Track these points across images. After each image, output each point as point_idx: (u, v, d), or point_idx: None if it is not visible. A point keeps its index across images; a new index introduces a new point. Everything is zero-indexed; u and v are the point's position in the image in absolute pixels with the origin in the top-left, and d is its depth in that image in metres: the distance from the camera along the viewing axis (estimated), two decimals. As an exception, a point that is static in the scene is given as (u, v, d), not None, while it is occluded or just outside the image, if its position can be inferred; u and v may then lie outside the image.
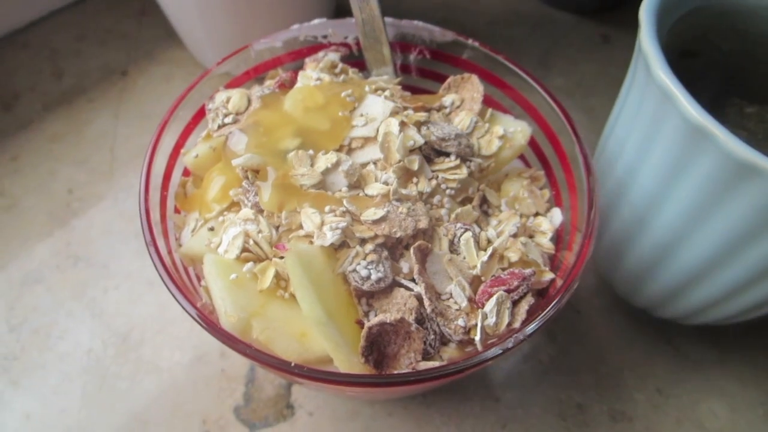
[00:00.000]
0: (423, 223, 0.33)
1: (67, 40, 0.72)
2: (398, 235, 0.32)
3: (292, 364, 0.29)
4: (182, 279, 0.34)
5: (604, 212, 0.44)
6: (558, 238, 0.39)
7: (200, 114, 0.41)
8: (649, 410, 0.49)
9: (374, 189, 0.34)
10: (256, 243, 0.33)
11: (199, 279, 0.37)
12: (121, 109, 0.66)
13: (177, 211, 0.39)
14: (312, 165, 0.34)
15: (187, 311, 0.31)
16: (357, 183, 0.35)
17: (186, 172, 0.40)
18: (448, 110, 0.40)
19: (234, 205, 0.36)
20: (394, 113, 0.37)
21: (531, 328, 0.31)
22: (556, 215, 0.39)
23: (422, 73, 0.46)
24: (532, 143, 0.43)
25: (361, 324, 0.32)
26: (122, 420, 0.46)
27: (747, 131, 0.37)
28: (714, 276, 0.38)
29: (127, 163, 0.61)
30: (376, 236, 0.32)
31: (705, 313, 0.44)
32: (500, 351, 0.30)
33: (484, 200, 0.38)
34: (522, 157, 0.44)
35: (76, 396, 0.47)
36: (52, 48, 0.71)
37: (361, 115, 0.37)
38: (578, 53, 0.74)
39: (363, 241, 0.32)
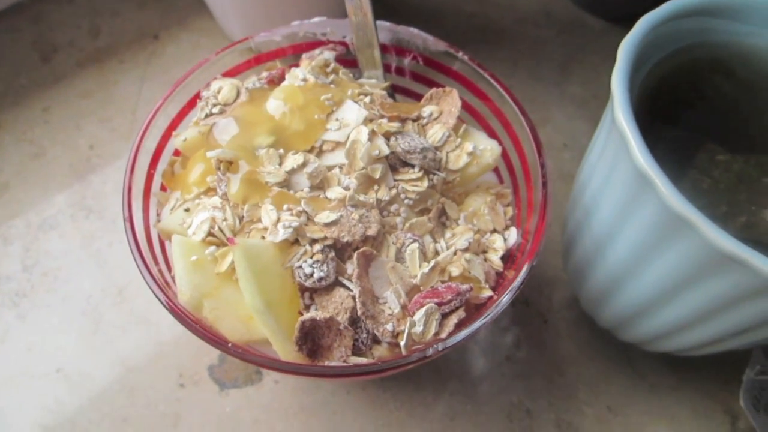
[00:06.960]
0: (372, 231, 0.35)
1: (108, -1, 0.76)
2: (346, 239, 0.35)
3: (229, 344, 0.32)
4: (154, 253, 0.38)
5: (573, 233, 0.46)
6: (511, 257, 0.41)
7: (197, 97, 0.44)
8: (595, 425, 0.51)
9: (334, 193, 0.36)
10: (220, 229, 0.36)
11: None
12: (148, 73, 0.70)
13: (164, 188, 0.42)
14: (280, 164, 0.37)
15: (148, 285, 0.34)
16: (320, 184, 0.37)
17: (176, 152, 0.44)
18: (425, 121, 0.42)
19: (211, 190, 0.39)
20: (367, 121, 0.39)
21: (453, 340, 0.33)
22: (512, 235, 0.40)
23: (415, 77, 0.48)
24: (506, 161, 0.44)
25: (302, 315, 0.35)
26: (109, 363, 0.51)
27: (712, 179, 0.38)
28: (657, 312, 0.40)
29: (146, 126, 0.65)
30: (325, 238, 0.35)
31: (655, 344, 0.45)
32: (419, 356, 0.33)
33: (443, 212, 0.40)
34: (498, 173, 0.46)
35: (72, 336, 0.52)
36: (92, 6, 0.75)
37: (337, 120, 0.39)
38: (602, 62, 0.74)
39: (313, 241, 0.35)
